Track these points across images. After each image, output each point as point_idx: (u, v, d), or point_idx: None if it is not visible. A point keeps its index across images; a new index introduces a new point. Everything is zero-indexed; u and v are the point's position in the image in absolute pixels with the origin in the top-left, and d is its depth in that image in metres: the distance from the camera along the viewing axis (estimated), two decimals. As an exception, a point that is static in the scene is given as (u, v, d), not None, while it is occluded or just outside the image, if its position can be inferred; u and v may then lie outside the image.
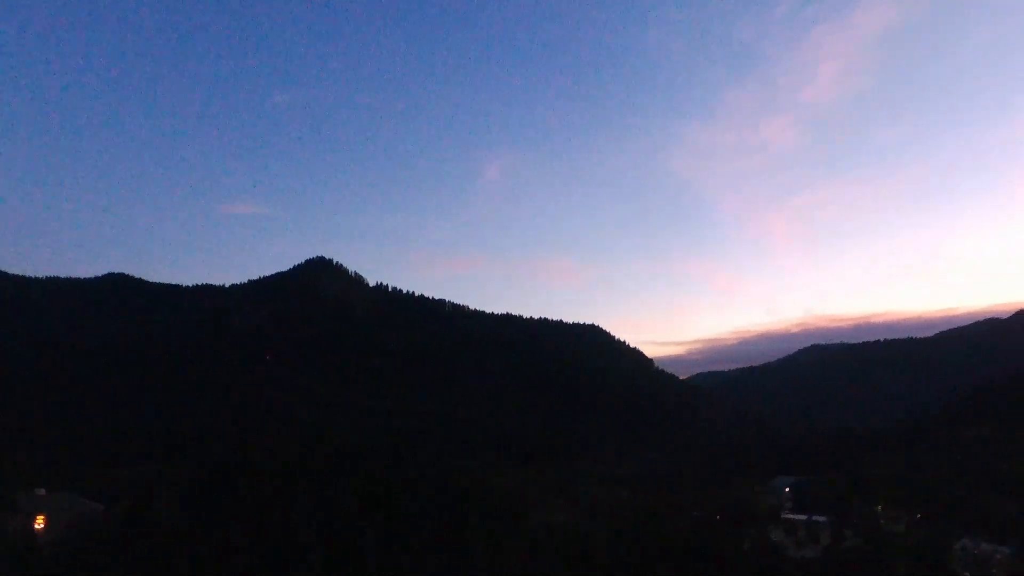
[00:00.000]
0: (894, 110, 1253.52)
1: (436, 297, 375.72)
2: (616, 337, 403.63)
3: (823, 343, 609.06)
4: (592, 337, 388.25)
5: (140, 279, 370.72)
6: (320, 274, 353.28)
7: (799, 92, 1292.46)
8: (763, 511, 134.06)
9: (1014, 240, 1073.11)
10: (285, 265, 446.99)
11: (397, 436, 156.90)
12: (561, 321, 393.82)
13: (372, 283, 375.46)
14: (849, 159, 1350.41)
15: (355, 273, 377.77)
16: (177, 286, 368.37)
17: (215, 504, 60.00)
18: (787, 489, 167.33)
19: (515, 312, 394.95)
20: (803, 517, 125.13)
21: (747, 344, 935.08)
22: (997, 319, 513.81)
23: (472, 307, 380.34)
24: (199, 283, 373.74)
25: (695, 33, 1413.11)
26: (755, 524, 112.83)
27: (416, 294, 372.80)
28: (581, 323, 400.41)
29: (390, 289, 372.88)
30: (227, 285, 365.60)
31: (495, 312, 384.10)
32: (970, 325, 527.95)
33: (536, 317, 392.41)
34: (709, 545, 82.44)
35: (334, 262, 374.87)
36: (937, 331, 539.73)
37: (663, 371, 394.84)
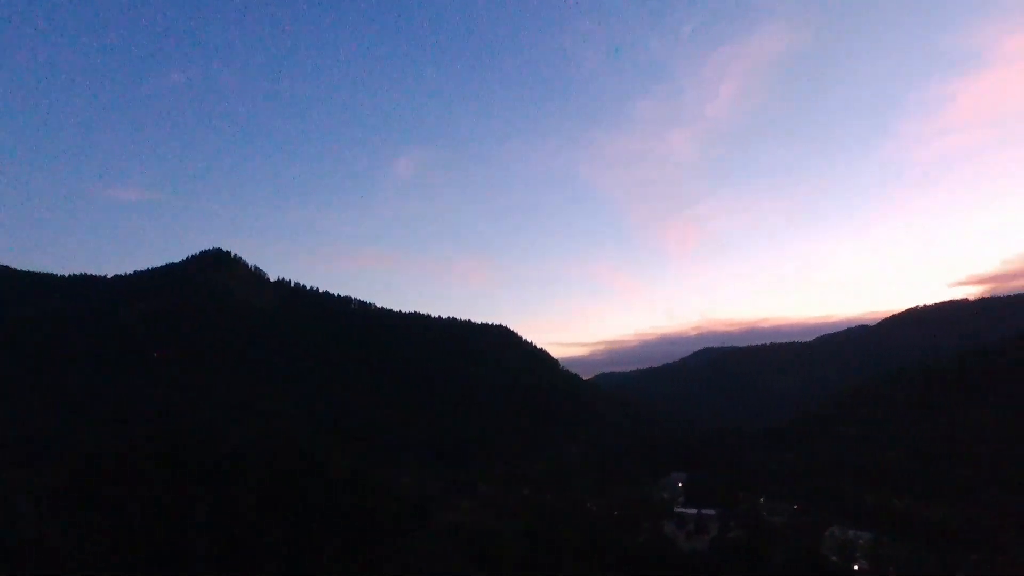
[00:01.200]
0: (783, 130, 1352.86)
1: (342, 294, 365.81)
2: (523, 338, 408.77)
3: (716, 346, 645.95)
4: (500, 337, 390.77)
5: (6, 266, 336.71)
6: (216, 267, 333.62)
7: (702, 108, 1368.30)
8: (658, 506, 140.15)
9: (882, 255, 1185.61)
10: (177, 256, 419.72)
11: (298, 437, 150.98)
12: (470, 321, 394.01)
13: (274, 278, 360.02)
14: (743, 174, 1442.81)
15: (255, 267, 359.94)
16: (51, 275, 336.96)
17: (87, 512, 55.28)
18: (680, 485, 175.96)
19: (423, 311, 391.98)
20: (694, 511, 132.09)
21: (647, 346, 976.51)
22: (866, 326, 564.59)
23: (379, 305, 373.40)
24: (77, 272, 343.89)
25: (608, 44, 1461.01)
26: (650, 518, 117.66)
27: (321, 291, 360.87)
28: (489, 323, 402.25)
29: (293, 285, 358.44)
30: (109, 276, 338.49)
31: (403, 311, 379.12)
32: (843, 331, 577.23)
33: (444, 316, 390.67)
34: (607, 539, 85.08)
35: (232, 255, 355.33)
36: (816, 336, 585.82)
37: (568, 371, 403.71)
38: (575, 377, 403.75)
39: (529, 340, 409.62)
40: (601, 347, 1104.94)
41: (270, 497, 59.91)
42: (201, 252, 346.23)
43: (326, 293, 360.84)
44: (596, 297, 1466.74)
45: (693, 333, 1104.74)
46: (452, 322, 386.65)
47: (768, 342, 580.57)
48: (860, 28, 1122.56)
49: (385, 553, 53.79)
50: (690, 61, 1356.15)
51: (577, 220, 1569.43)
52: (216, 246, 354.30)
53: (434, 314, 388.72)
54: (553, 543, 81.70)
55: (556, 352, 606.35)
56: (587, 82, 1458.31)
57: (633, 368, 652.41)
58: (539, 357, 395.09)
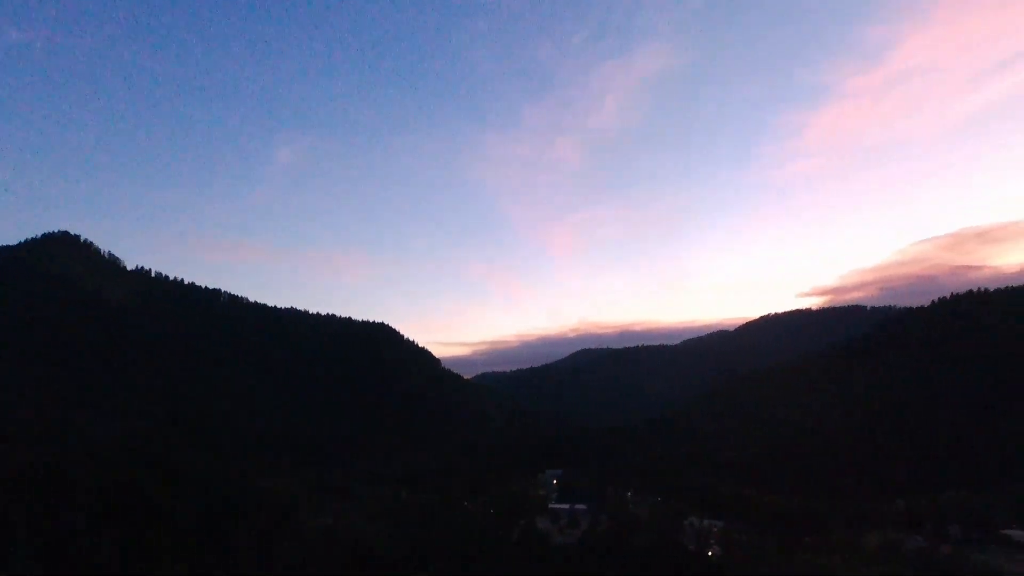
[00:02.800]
0: (660, 145, 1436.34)
1: (211, 286, 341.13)
2: (405, 336, 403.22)
3: (593, 347, 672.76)
4: (381, 336, 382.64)
5: None
6: (61, 252, 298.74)
7: (587, 118, 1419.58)
8: (532, 502, 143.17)
9: (742, 266, 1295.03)
10: (13, 239, 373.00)
11: (154, 437, 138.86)
12: (350, 318, 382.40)
13: (131, 266, 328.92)
14: (623, 184, 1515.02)
15: (108, 253, 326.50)
16: None
17: None
18: (555, 481, 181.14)
19: (300, 307, 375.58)
20: (567, 506, 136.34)
21: (528, 346, 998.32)
22: (726, 331, 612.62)
23: (252, 299, 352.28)
24: None
25: (500, 47, 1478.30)
26: (525, 514, 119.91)
27: (186, 282, 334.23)
28: (370, 321, 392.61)
29: (153, 274, 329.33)
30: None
31: (279, 306, 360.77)
32: (706, 335, 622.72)
33: (323, 313, 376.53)
34: (481, 536, 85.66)
35: (81, 239, 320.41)
36: (682, 339, 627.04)
37: (449, 371, 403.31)
38: (456, 376, 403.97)
39: (411, 339, 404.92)
40: (483, 347, 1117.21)
41: (118, 502, 54.59)
42: (44, 235, 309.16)
43: (192, 285, 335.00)
44: (479, 297, 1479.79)
45: (572, 335, 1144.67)
46: (331, 319, 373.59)
47: (640, 344, 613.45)
48: (731, 57, 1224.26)
49: (242, 559, 50.61)
50: (578, 71, 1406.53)
51: (463, 220, 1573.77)
52: (62, 229, 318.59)
53: (312, 310, 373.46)
54: (426, 542, 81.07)
55: (438, 351, 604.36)
56: (479, 82, 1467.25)
57: (514, 368, 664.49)
58: (420, 356, 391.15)
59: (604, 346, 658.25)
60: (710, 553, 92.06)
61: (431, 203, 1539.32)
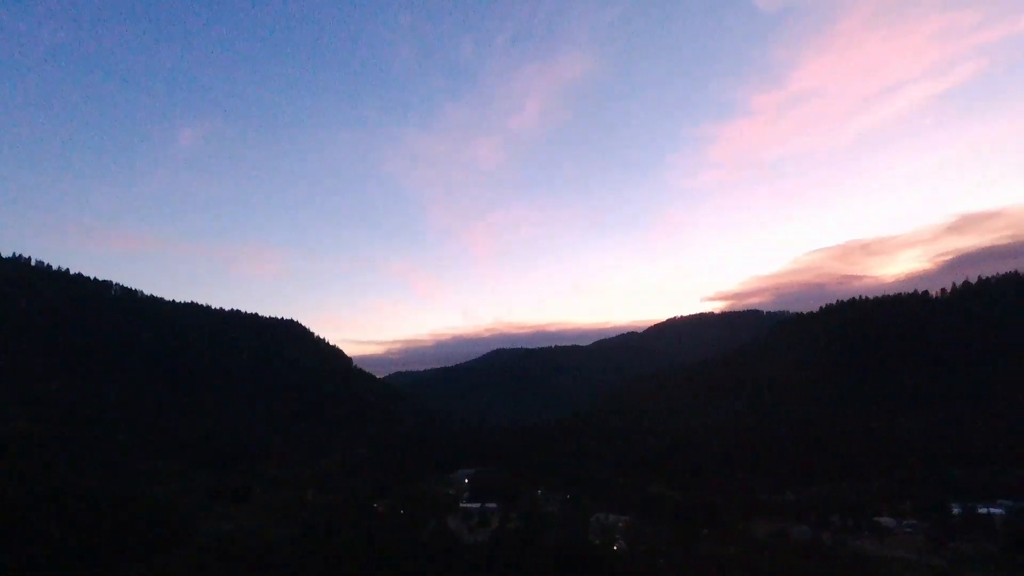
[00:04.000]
0: (579, 150, 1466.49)
1: (100, 278, 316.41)
2: (315, 334, 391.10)
3: (507, 347, 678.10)
4: (290, 333, 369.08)
5: None
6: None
7: (508, 118, 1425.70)
8: (444, 501, 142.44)
9: (652, 270, 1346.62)
10: None
11: (27, 439, 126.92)
12: (256, 315, 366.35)
13: (6, 253, 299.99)
14: (541, 186, 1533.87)
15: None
16: None
17: None
18: (467, 481, 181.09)
19: (202, 301, 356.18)
20: (478, 505, 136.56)
21: (443, 346, 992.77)
22: (635, 333, 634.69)
23: (148, 292, 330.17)
24: None
25: (422, 41, 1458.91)
26: (435, 514, 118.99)
27: (72, 272, 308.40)
28: (278, 317, 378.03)
29: (33, 263, 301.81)
30: None
31: (178, 300, 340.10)
32: (616, 337, 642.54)
33: (227, 308, 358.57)
34: (390, 538, 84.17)
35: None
36: (593, 340, 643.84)
37: (361, 370, 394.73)
38: (369, 376, 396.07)
39: (321, 336, 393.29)
40: (397, 346, 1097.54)
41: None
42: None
43: (79, 275, 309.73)
44: (394, 295, 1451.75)
45: (487, 334, 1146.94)
46: (236, 315, 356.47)
47: (553, 345, 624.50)
48: (648, 68, 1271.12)
49: (131, 571, 47.12)
50: (501, 72, 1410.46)
51: (378, 216, 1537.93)
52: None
53: (215, 305, 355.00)
54: (333, 546, 78.66)
55: (350, 350, 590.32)
56: (400, 77, 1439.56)
57: (428, 367, 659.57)
58: (331, 355, 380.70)
59: (518, 346, 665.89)
60: (615, 547, 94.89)
61: (346, 197, 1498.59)
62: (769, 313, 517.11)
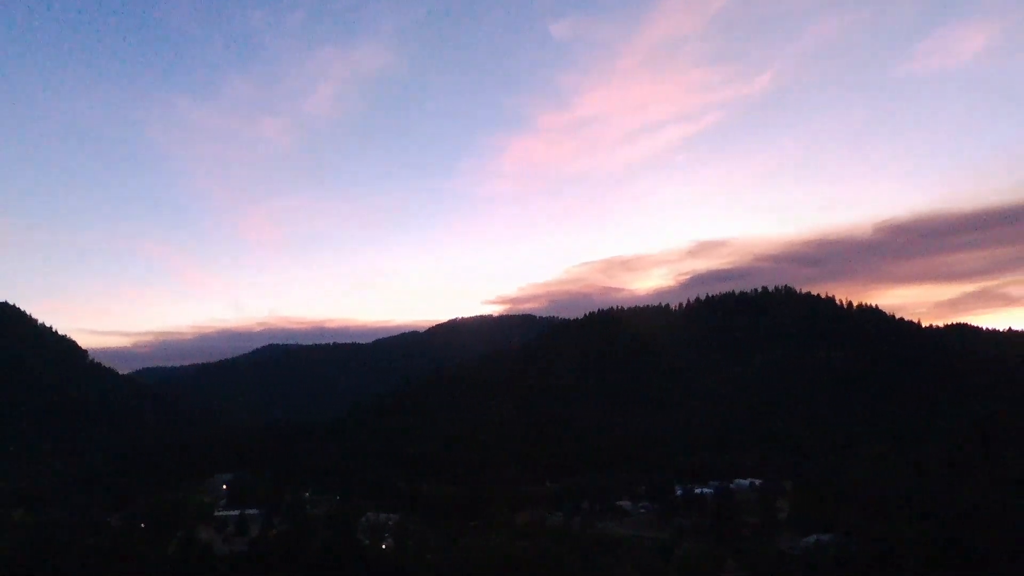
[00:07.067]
0: (374, 144, 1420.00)
1: None
2: (39, 321, 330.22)
3: (282, 343, 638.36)
4: (3, 320, 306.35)
5: None
6: None
7: (300, 101, 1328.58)
8: (195, 510, 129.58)
9: (437, 271, 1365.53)
10: None
11: None
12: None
13: None
14: (329, 176, 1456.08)
15: None
16: None
17: None
18: (224, 486, 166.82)
19: None
20: (236, 512, 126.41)
21: (207, 339, 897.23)
22: (417, 332, 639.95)
23: None
24: None
25: (205, 4, 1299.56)
26: (184, 525, 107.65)
27: None
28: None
29: None
30: None
31: None
32: (397, 335, 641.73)
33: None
34: (127, 554, 74.58)
35: None
36: (374, 339, 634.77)
37: (101, 365, 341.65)
38: (110, 371, 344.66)
39: (47, 324, 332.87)
40: (149, 338, 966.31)
41: None
42: None
43: None
44: (148, 280, 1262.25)
45: (259, 329, 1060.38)
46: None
47: (332, 342, 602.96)
48: (448, 72, 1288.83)
49: None
50: (293, 50, 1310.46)
51: (134, 189, 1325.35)
52: None
53: None
54: (55, 566, 67.44)
55: (86, 341, 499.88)
56: (175, 39, 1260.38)
57: (188, 363, 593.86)
58: (59, 346, 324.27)
59: (294, 342, 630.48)
60: (384, 546, 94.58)
61: (96, 164, 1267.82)
62: (542, 317, 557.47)
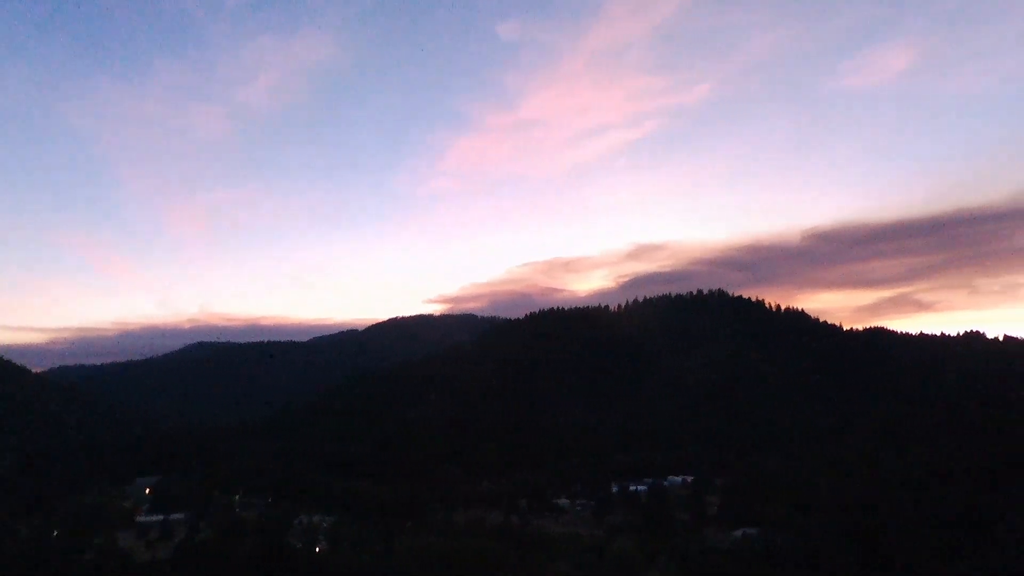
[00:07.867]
0: (316, 138, 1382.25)
1: None
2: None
3: (213, 340, 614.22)
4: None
5: None
6: None
7: (236, 90, 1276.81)
8: (115, 516, 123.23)
9: (378, 270, 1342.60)
10: None
11: None
12: None
13: None
14: (265, 169, 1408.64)
15: None
16: None
17: None
18: (148, 490, 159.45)
19: None
20: (160, 517, 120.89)
21: (131, 336, 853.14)
22: (355, 331, 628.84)
23: None
24: None
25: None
26: (103, 531, 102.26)
27: None
28: None
29: None
30: None
31: None
32: (336, 334, 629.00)
33: None
34: (38, 562, 70.28)
35: None
36: (312, 336, 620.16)
37: (9, 362, 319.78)
38: (19, 369, 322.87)
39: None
40: (66, 334, 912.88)
41: None
42: None
43: None
44: (66, 273, 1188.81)
45: (188, 326, 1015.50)
46: None
47: (267, 340, 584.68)
48: (392, 68, 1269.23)
49: None
50: (230, 36, 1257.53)
51: (55, 176, 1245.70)
52: None
53: None
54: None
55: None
56: (100, 17, 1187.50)
57: (110, 361, 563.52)
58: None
59: (227, 340, 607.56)
60: (317, 549, 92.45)
61: (10, 148, 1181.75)
62: (483, 317, 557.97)
